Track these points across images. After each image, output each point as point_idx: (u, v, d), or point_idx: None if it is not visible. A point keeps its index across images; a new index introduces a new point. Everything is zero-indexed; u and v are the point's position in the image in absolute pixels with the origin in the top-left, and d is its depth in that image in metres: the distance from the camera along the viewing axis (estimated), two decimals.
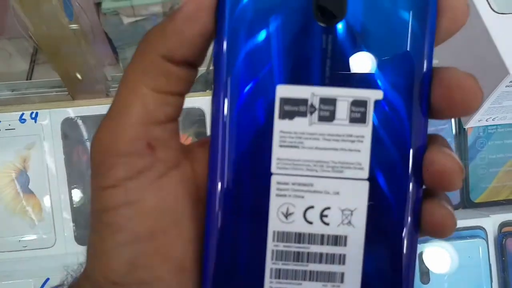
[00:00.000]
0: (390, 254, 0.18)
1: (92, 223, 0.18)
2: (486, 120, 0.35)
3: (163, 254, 0.18)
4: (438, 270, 0.47)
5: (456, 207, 0.52)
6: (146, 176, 0.17)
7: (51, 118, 0.45)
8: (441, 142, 0.18)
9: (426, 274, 0.48)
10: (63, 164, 0.45)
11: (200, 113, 0.50)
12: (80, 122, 0.45)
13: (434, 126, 0.50)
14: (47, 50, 0.48)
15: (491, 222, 0.50)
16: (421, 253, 0.47)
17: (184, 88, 0.18)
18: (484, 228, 0.49)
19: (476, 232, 0.49)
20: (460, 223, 0.49)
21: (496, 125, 0.51)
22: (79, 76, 0.50)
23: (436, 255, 0.48)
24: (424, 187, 0.18)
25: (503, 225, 0.50)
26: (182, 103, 0.19)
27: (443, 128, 0.52)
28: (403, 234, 0.18)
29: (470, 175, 0.53)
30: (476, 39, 0.31)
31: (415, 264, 0.18)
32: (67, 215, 0.44)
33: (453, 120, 0.52)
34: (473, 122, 0.35)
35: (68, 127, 0.45)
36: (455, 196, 0.53)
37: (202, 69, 0.52)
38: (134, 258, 0.17)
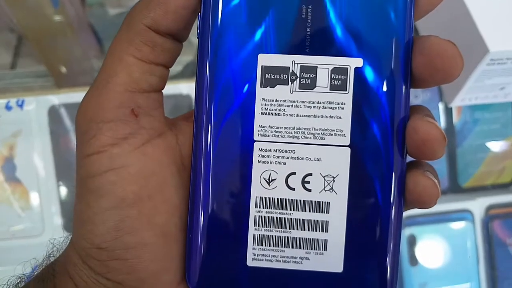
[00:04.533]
0: (374, 223, 0.18)
1: (77, 192, 0.18)
2: (469, 100, 0.35)
3: (148, 219, 0.18)
4: (425, 253, 0.48)
5: (443, 192, 0.52)
6: (130, 142, 0.18)
7: (38, 105, 0.44)
8: (424, 112, 0.19)
9: (414, 257, 0.48)
10: (51, 152, 0.44)
11: (189, 102, 0.50)
12: (66, 111, 0.45)
13: None
14: (31, 42, 0.48)
15: (478, 205, 0.50)
16: (409, 236, 0.48)
17: (168, 60, 0.19)
18: (471, 211, 0.50)
19: (463, 215, 0.50)
20: (447, 207, 0.49)
21: (483, 110, 0.51)
22: (64, 69, 0.50)
23: (424, 238, 0.48)
24: (408, 158, 0.18)
25: (489, 207, 0.50)
26: (166, 75, 0.19)
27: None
28: (387, 202, 0.18)
29: (458, 161, 0.53)
30: (457, 18, 0.32)
31: (400, 233, 0.18)
32: (55, 203, 0.44)
33: (440, 106, 0.52)
34: (457, 102, 0.35)
35: (54, 115, 0.45)
36: (443, 181, 0.53)
37: (189, 58, 0.52)
38: (119, 223, 0.17)
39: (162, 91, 0.19)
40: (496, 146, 0.54)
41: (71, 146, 0.45)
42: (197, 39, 0.19)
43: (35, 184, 0.44)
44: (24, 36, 0.50)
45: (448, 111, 0.51)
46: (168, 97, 0.48)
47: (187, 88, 0.50)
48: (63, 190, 0.44)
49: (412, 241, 0.48)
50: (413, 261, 0.48)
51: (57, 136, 0.45)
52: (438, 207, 0.49)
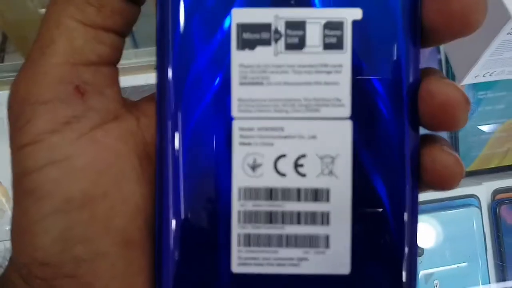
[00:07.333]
0: (386, 211, 0.15)
1: (14, 195, 0.15)
2: (483, 76, 0.32)
3: (104, 224, 0.14)
4: (431, 243, 0.45)
5: None
6: (75, 128, 0.14)
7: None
8: (439, 74, 0.16)
9: (419, 247, 0.45)
10: None
11: None
12: None
13: None
14: (15, 37, 0.46)
15: (484, 189, 0.48)
16: None
17: (120, 25, 0.15)
18: (477, 196, 0.48)
19: (469, 200, 0.48)
20: (452, 192, 0.47)
21: (486, 90, 0.49)
22: None
23: (429, 227, 0.46)
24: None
25: (496, 192, 0.48)
26: (120, 44, 0.16)
27: None
28: (400, 185, 0.15)
29: (460, 144, 0.51)
30: None
31: (417, 222, 0.15)
32: None
33: None
34: (470, 79, 0.32)
35: None
36: None
37: None
38: (66, 231, 0.14)
39: (118, 66, 0.16)
40: (500, 127, 0.51)
41: None
42: None
43: None
44: (6, 31, 0.47)
45: None
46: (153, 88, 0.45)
47: None
48: None
49: None
50: (418, 251, 0.45)
51: None
52: (441, 193, 0.46)
